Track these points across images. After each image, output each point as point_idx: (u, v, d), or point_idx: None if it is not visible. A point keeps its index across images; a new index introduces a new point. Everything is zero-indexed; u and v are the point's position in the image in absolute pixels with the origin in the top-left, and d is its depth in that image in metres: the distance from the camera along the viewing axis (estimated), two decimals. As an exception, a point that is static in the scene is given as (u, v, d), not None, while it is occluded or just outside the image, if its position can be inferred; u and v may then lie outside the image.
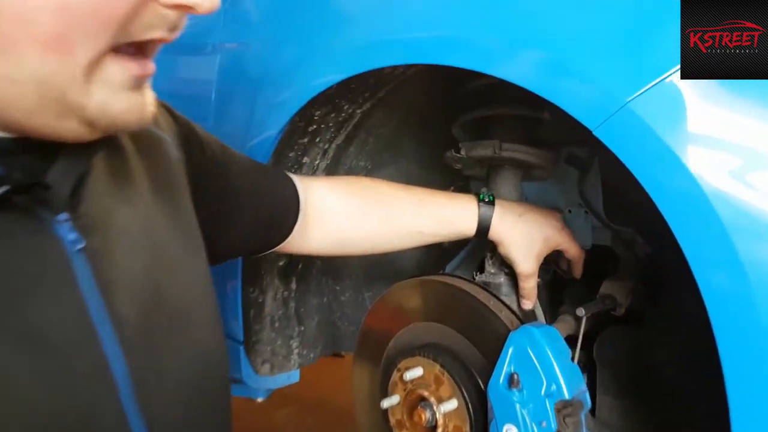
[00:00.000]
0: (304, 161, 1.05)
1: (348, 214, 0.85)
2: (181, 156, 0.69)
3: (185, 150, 0.70)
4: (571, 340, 1.00)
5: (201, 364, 0.60)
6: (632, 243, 0.97)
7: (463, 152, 0.94)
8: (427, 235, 0.86)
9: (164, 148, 0.66)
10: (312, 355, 1.17)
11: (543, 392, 0.68)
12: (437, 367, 0.78)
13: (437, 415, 0.77)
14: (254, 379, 1.07)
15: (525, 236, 0.85)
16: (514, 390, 0.68)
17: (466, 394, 0.75)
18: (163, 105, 0.70)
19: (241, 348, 1.05)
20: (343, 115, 1.01)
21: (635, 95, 0.57)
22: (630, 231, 0.96)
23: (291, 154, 1.02)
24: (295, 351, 1.14)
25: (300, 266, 1.13)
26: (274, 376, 1.10)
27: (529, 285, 0.87)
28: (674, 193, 0.58)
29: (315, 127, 1.00)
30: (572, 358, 1.01)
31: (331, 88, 0.89)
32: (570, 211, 1.03)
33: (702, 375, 0.77)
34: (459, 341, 0.80)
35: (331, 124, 1.02)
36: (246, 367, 1.05)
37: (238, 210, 0.76)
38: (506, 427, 0.68)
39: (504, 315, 0.78)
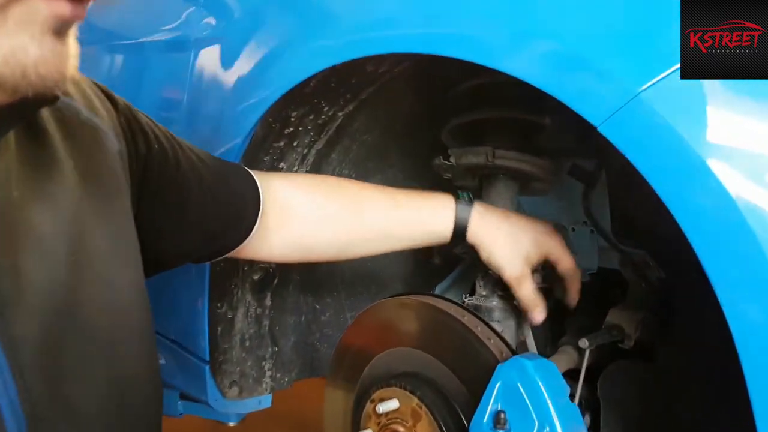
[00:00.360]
0: (280, 167, 0.96)
1: (313, 214, 0.76)
2: (122, 148, 0.60)
3: (127, 141, 0.61)
4: (572, 375, 0.90)
5: (124, 395, 0.51)
6: (643, 266, 0.87)
7: (452, 159, 0.85)
8: (399, 239, 0.77)
9: (100, 138, 0.57)
10: (287, 379, 1.07)
11: (534, 435, 0.58)
12: (415, 400, 0.68)
13: (413, 456, 0.67)
14: (221, 403, 0.97)
15: (509, 237, 0.74)
16: (500, 431, 0.58)
17: (443, 428, 0.65)
18: (101, 88, 0.61)
19: (207, 368, 0.95)
20: (323, 117, 0.93)
21: (649, 84, 0.48)
22: (641, 253, 0.86)
23: (266, 159, 0.93)
24: (268, 374, 1.04)
25: (276, 281, 1.03)
26: (243, 401, 1.00)
27: (526, 291, 0.75)
28: (698, 205, 0.48)
29: (292, 129, 0.91)
30: (573, 396, 0.90)
31: (308, 85, 0.81)
32: (573, 230, 0.93)
33: (728, 422, 0.66)
34: (441, 371, 0.70)
35: (309, 127, 0.93)
36: (212, 389, 0.96)
37: (187, 208, 0.67)
38: (490, 474, 0.58)
39: (493, 343, 0.68)
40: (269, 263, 0.96)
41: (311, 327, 1.12)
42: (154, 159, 0.64)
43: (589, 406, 0.96)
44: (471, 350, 0.68)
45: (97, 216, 0.53)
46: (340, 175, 1.05)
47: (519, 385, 0.59)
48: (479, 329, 0.69)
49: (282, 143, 0.93)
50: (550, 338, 1.00)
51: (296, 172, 0.99)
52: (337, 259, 0.80)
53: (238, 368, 0.99)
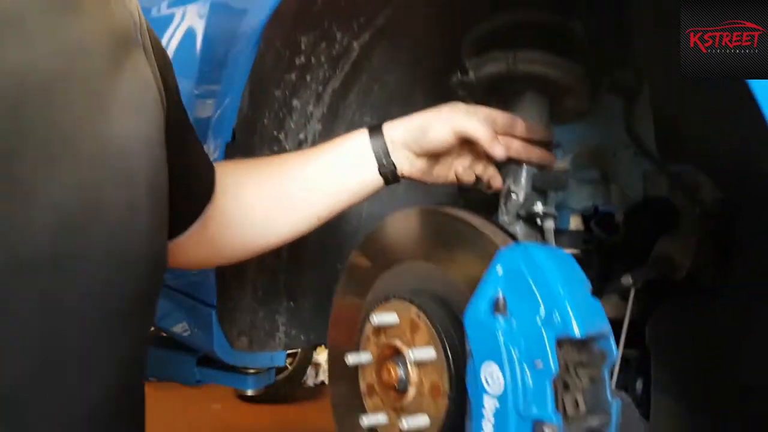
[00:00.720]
0: (294, 105, 0.91)
1: (233, 185, 0.74)
2: (147, 47, 0.58)
3: (156, 55, 0.60)
4: (617, 328, 0.78)
5: (83, 231, 0.45)
6: (696, 188, 0.75)
7: (471, 74, 0.77)
8: (329, 177, 0.74)
9: (129, 15, 0.56)
10: (303, 338, 0.99)
11: (539, 320, 0.47)
12: (413, 310, 0.59)
13: (410, 369, 0.57)
14: (228, 353, 0.90)
15: (420, 115, 0.73)
16: (498, 316, 0.48)
17: (445, 339, 0.56)
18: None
19: (213, 313, 0.89)
20: (336, 47, 0.88)
21: None
22: (693, 170, 0.74)
23: (277, 93, 0.89)
24: (282, 329, 0.97)
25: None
26: (253, 354, 0.93)
27: (468, 123, 0.70)
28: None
29: (303, 60, 0.87)
30: (617, 345, 0.78)
31: (315, 2, 0.77)
32: (615, 155, 0.82)
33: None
34: (444, 279, 0.61)
35: (323, 59, 0.88)
36: (219, 337, 0.89)
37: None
38: (486, 366, 0.48)
39: (501, 239, 0.58)
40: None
41: (334, 289, 1.04)
42: (172, 89, 0.64)
43: (640, 367, 0.83)
44: (476, 248, 0.59)
45: (101, 51, 0.50)
46: (359, 120, 0.99)
47: (522, 267, 0.50)
48: (489, 229, 0.60)
49: (293, 75, 0.88)
50: (596, 288, 0.88)
51: (311, 112, 0.94)
52: (279, 234, 0.76)
53: (249, 318, 0.93)
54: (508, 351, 0.46)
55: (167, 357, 1.12)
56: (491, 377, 0.47)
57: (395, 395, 0.59)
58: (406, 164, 0.73)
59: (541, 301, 0.48)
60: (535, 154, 0.74)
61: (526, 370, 0.46)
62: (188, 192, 0.68)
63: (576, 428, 0.47)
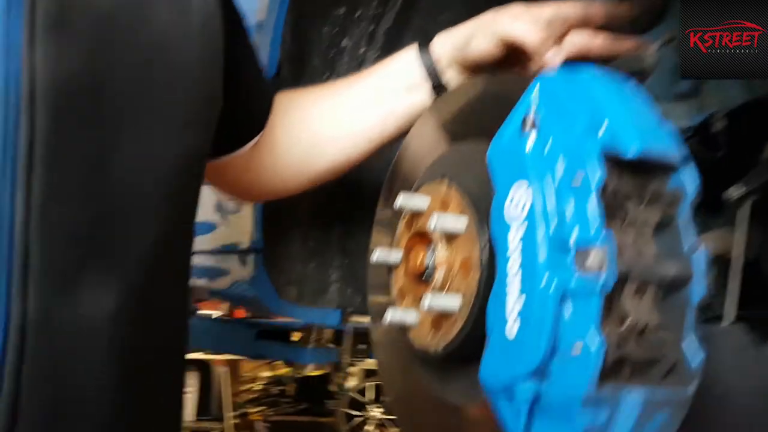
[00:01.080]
0: (343, 45, 0.87)
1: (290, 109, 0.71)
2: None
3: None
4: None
5: None
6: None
7: None
8: (376, 98, 0.68)
9: None
10: (359, 300, 0.91)
11: (581, 130, 0.37)
12: (444, 186, 0.50)
13: (438, 249, 0.48)
14: (275, 302, 0.84)
15: (466, 25, 0.64)
16: (527, 133, 0.38)
17: (477, 205, 0.46)
18: None
19: (260, 258, 0.84)
20: (384, -22, 0.84)
21: None
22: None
23: (325, 29, 0.85)
24: (335, 285, 0.89)
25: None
26: (303, 309, 0.86)
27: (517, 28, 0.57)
28: None
29: None
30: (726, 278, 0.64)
31: None
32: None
33: None
34: (481, 150, 0.52)
35: (371, -8, 0.84)
36: (264, 283, 0.83)
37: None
38: (515, 188, 0.37)
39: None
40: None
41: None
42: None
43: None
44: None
45: None
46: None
47: (563, 82, 0.40)
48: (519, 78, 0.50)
49: (341, 11, 0.85)
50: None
51: (364, 54, 0.90)
52: (329, 161, 0.71)
53: (298, 268, 0.87)
54: (539, 167, 0.36)
55: (227, 330, 1.09)
56: (517, 205, 0.37)
57: (425, 287, 0.50)
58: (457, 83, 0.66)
59: (583, 110, 0.37)
60: (626, 45, 0.58)
61: (565, 192, 0.35)
62: (245, 109, 0.66)
63: (639, 270, 0.35)
